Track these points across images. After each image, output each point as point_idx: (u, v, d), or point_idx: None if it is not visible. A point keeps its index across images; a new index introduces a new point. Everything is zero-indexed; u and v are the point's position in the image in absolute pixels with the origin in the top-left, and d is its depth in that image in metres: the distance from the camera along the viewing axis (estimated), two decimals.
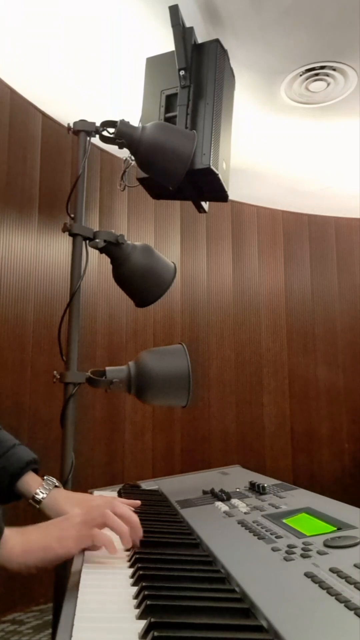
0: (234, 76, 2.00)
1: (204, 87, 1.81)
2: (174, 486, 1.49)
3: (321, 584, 0.64)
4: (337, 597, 0.60)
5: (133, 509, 1.12)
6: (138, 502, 1.14)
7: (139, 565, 0.77)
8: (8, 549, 0.79)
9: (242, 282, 4.26)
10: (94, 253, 1.61)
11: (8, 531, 0.81)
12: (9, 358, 2.85)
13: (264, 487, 1.23)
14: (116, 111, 2.05)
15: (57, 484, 1.08)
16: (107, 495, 1.23)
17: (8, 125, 2.95)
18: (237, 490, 1.29)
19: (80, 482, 1.46)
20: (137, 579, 0.73)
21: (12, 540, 0.80)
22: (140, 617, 0.61)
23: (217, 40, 1.87)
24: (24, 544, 0.80)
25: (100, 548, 0.84)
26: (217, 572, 0.76)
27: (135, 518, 0.87)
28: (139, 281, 1.65)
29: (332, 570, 0.68)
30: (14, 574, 0.80)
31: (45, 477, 1.09)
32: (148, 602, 0.62)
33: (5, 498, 1.08)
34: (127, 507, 0.88)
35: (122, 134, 1.59)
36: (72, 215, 1.61)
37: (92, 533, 0.81)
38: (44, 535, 0.82)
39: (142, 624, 0.58)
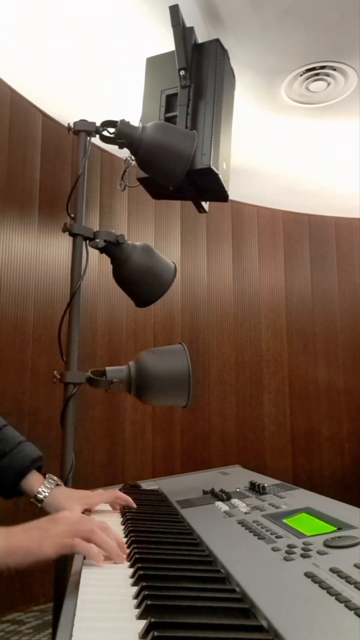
0: (234, 76, 2.00)
1: (204, 87, 1.81)
2: (174, 486, 1.49)
3: (321, 584, 0.64)
4: (337, 597, 0.60)
5: (134, 506, 1.13)
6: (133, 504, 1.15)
7: (139, 565, 0.77)
8: None
9: (242, 282, 4.26)
10: (94, 253, 1.61)
11: None
12: (9, 358, 2.85)
13: (264, 487, 1.23)
14: (116, 111, 2.06)
15: (58, 482, 1.11)
16: (107, 490, 1.23)
17: (8, 125, 2.95)
18: (237, 490, 1.29)
19: (80, 482, 1.46)
20: (137, 579, 0.73)
21: None
22: (141, 616, 0.61)
23: (217, 40, 1.87)
24: (7, 545, 0.80)
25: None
26: (217, 572, 0.76)
27: (121, 541, 0.86)
28: (139, 281, 1.65)
29: (332, 570, 0.68)
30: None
31: (47, 476, 1.11)
32: (148, 602, 0.62)
33: (8, 494, 1.10)
34: (113, 533, 0.87)
35: (123, 134, 1.59)
36: (72, 215, 1.61)
37: (73, 543, 0.80)
38: (26, 537, 0.82)
39: (142, 623, 0.58)
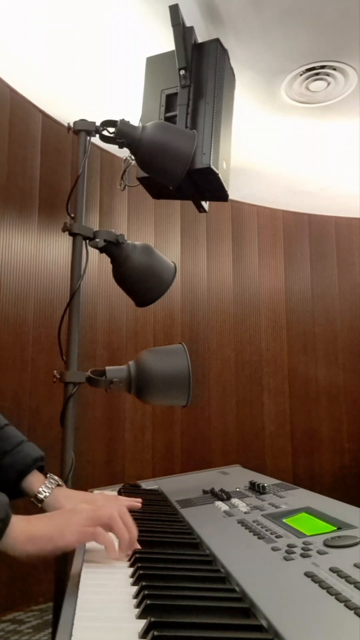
0: (234, 76, 2.00)
1: (204, 86, 1.81)
2: (174, 486, 1.49)
3: (321, 584, 0.64)
4: (337, 596, 0.60)
5: (139, 504, 1.12)
6: (139, 500, 1.14)
7: (139, 564, 0.77)
8: (13, 536, 0.79)
9: (242, 282, 4.26)
10: (94, 253, 1.61)
11: (14, 518, 0.81)
12: (9, 358, 2.85)
13: (264, 487, 1.23)
14: (116, 111, 2.06)
15: (59, 482, 1.10)
16: (109, 495, 1.23)
17: (8, 124, 2.95)
18: (237, 489, 1.29)
19: (80, 482, 1.46)
20: (137, 579, 0.73)
21: (17, 527, 0.80)
22: (140, 616, 0.61)
23: (217, 40, 1.87)
24: (28, 532, 0.80)
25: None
26: (217, 572, 0.76)
27: (135, 531, 0.87)
28: (139, 281, 1.65)
29: (332, 569, 0.68)
30: (17, 561, 0.80)
31: (48, 475, 1.09)
32: (148, 602, 0.62)
33: (10, 494, 1.08)
34: (131, 519, 0.89)
35: (123, 134, 1.59)
36: (72, 215, 1.61)
37: (95, 531, 0.81)
38: (47, 524, 0.83)
39: (142, 623, 0.58)
